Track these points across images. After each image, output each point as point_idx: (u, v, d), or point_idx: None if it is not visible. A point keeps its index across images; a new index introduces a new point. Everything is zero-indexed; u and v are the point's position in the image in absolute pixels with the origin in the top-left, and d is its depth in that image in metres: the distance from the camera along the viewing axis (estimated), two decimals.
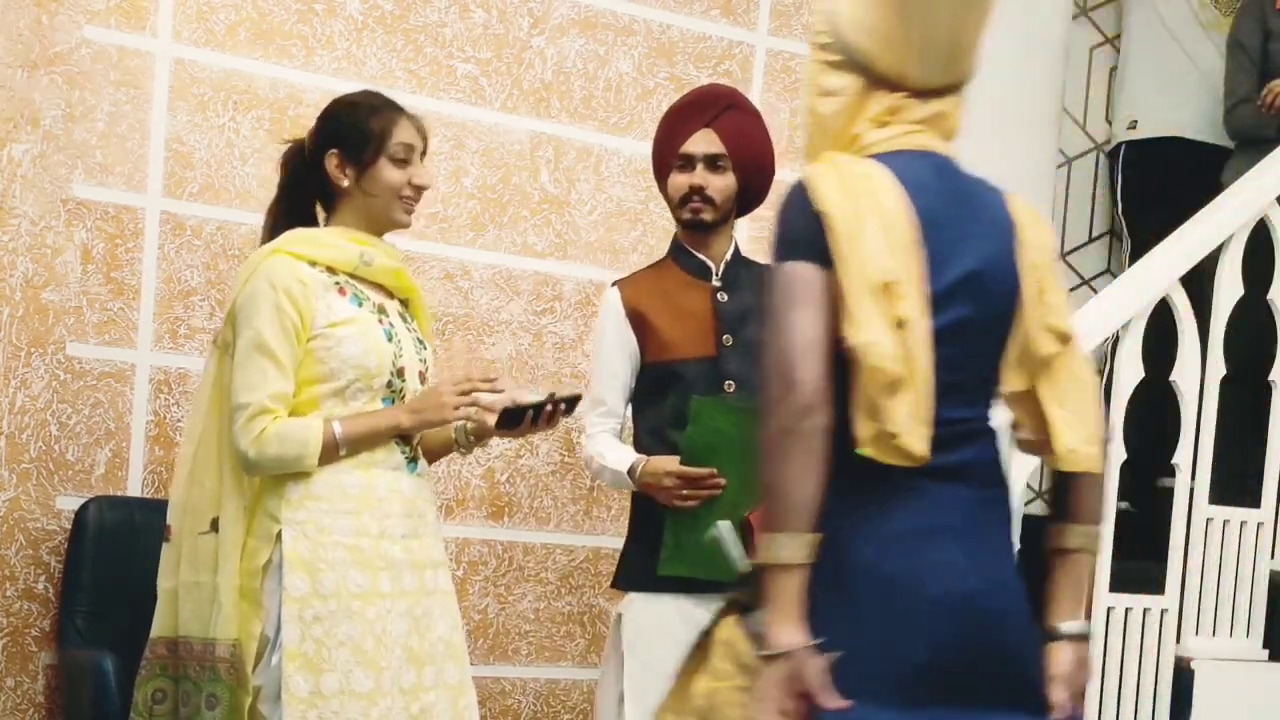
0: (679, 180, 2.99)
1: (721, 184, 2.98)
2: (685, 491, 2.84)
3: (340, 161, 2.60)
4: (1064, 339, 2.00)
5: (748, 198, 3.05)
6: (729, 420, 2.85)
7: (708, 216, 2.98)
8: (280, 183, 2.71)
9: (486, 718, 3.50)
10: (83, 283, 3.21)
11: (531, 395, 2.68)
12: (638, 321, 3.00)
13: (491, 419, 2.61)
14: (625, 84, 3.74)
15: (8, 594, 3.15)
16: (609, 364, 3.03)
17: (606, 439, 3.02)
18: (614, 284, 3.09)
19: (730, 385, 2.92)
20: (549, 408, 2.63)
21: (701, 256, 3.03)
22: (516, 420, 2.61)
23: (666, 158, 3.02)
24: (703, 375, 2.93)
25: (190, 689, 2.53)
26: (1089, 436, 2.00)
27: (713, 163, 2.97)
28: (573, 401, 2.68)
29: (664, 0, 3.79)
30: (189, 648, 2.53)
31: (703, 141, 2.98)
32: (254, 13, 3.36)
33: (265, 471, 2.50)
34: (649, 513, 2.94)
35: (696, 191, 2.97)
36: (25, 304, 3.16)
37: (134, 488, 3.25)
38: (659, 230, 3.71)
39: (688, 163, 2.98)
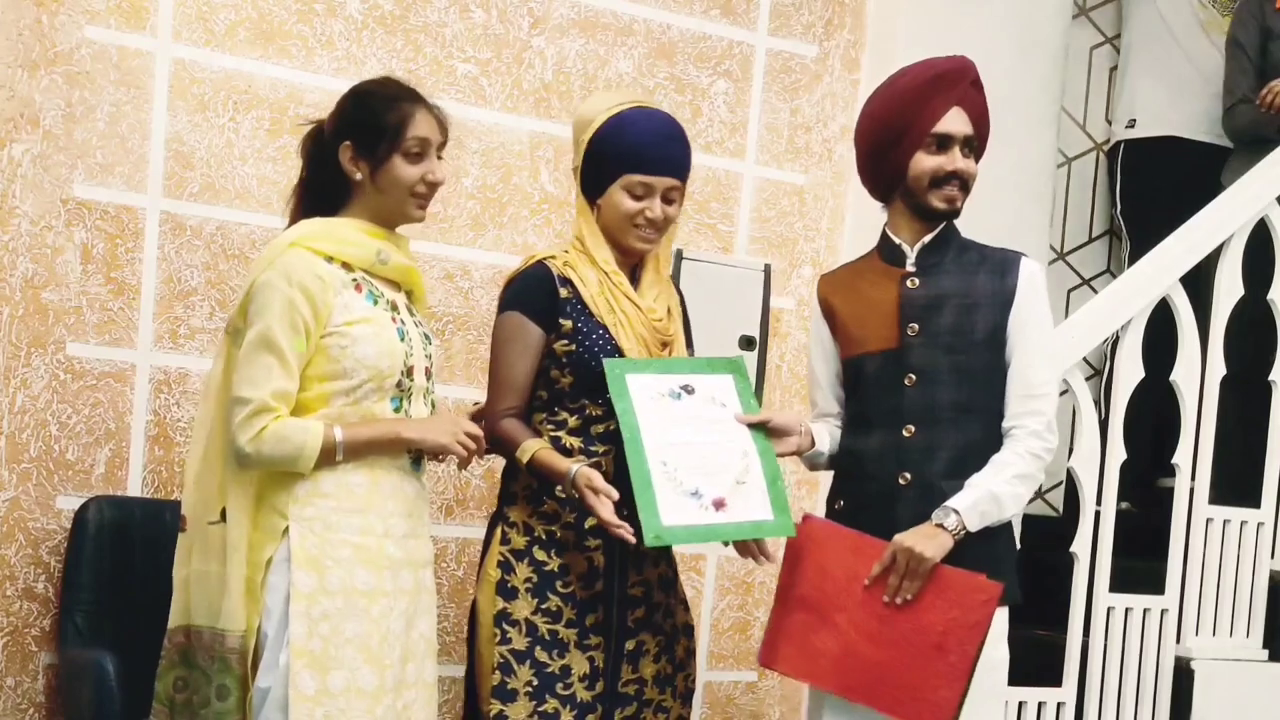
0: (932, 162, 2.71)
1: (972, 168, 2.75)
2: None
3: (354, 154, 2.55)
4: None
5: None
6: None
7: (959, 204, 2.75)
8: (302, 168, 2.66)
9: None
10: (83, 283, 3.21)
11: None
12: (830, 316, 2.84)
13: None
14: (625, 84, 3.74)
15: (8, 594, 3.15)
16: (812, 363, 2.92)
17: (817, 427, 2.86)
18: (820, 278, 2.95)
19: (911, 379, 2.70)
20: None
21: (898, 240, 2.79)
22: None
23: (911, 135, 2.73)
24: (883, 369, 2.73)
25: (199, 678, 2.51)
26: None
27: (968, 145, 2.74)
28: None
29: (664, 0, 3.79)
30: (199, 637, 2.51)
31: (958, 121, 2.73)
32: (254, 13, 3.36)
33: (259, 468, 2.48)
34: None
35: (956, 175, 2.72)
36: (25, 304, 3.16)
37: (134, 488, 3.25)
38: None
39: (944, 144, 2.72)
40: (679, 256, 3.71)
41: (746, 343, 3.87)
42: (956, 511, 2.60)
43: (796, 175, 3.94)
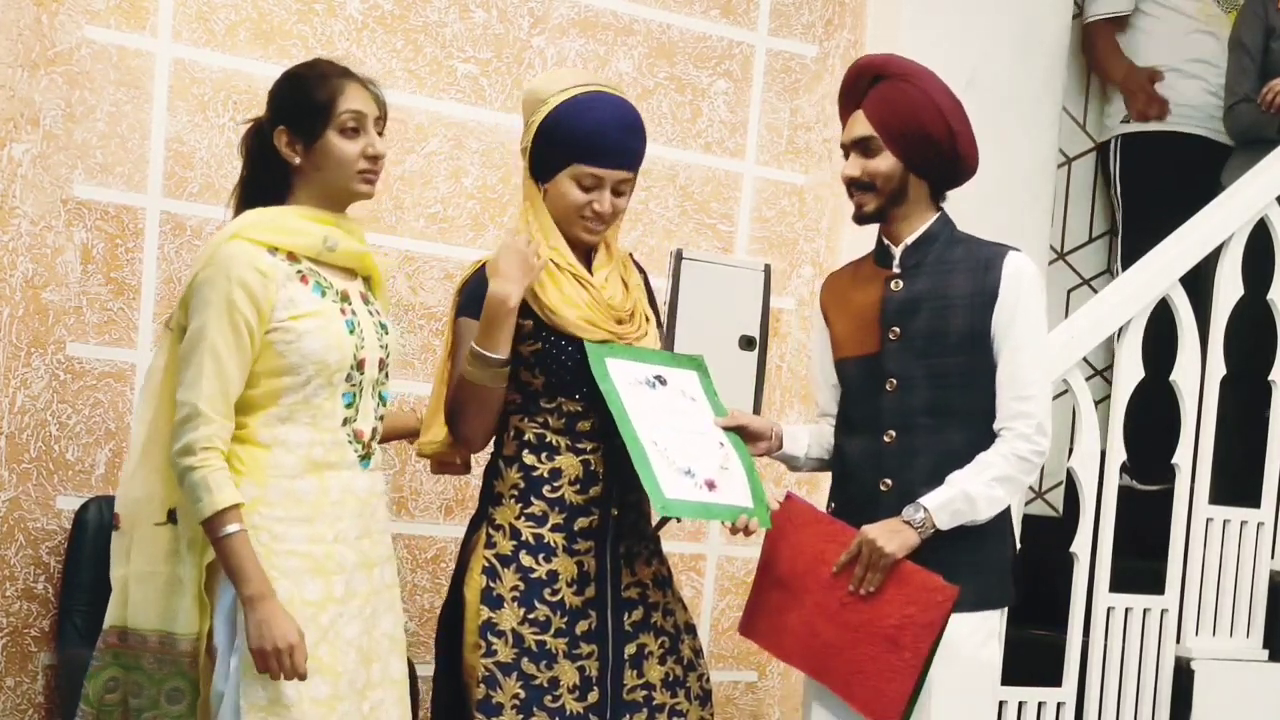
0: (844, 175, 2.77)
1: (875, 167, 2.70)
2: None
3: (289, 138, 2.49)
4: None
5: (931, 168, 2.73)
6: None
7: (870, 207, 2.73)
8: (243, 165, 2.60)
9: None
10: (83, 283, 3.21)
11: None
12: (827, 318, 2.86)
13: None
14: (625, 84, 3.74)
15: (8, 594, 3.15)
16: (814, 365, 2.93)
17: (798, 427, 2.90)
18: (826, 278, 2.95)
19: (892, 384, 2.69)
20: None
21: (886, 242, 2.77)
22: None
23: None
24: (864, 374, 2.74)
25: (142, 680, 2.45)
26: None
27: (863, 148, 2.72)
28: None
29: (664, 0, 3.79)
30: (140, 639, 2.45)
31: (855, 127, 2.73)
32: (254, 13, 3.36)
33: (174, 474, 2.40)
34: None
35: (850, 183, 2.74)
36: (25, 304, 3.16)
37: None
38: (659, 230, 3.71)
39: (847, 154, 2.76)
40: (679, 256, 3.69)
41: (746, 343, 3.85)
42: (926, 509, 2.60)
43: (796, 175, 3.94)
